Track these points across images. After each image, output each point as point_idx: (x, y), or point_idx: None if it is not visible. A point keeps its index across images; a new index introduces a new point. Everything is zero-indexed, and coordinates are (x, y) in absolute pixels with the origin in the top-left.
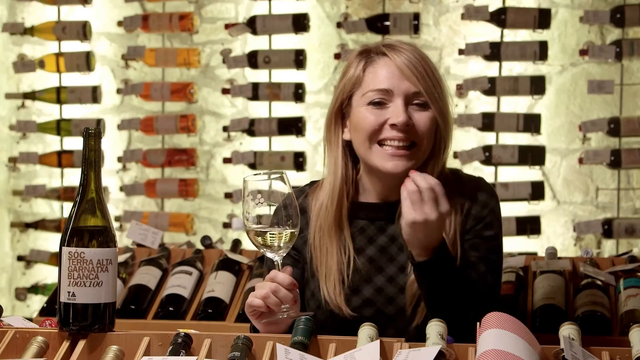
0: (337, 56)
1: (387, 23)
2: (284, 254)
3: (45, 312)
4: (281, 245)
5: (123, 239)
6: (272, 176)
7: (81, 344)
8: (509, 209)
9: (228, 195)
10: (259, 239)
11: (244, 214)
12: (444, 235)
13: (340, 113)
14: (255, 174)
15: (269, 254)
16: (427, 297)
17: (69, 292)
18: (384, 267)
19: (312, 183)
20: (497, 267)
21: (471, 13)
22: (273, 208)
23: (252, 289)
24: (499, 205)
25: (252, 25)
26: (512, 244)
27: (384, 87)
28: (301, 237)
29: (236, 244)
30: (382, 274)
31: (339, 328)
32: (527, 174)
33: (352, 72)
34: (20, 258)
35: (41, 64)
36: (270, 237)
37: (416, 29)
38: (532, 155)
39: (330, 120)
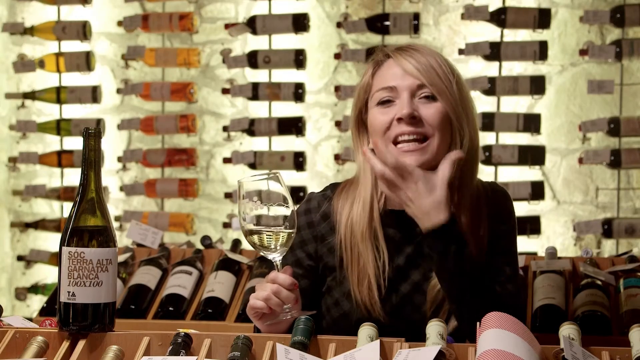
0: (337, 56)
1: (387, 23)
2: (283, 255)
3: (45, 312)
4: (278, 246)
5: (123, 239)
6: (267, 177)
7: (81, 344)
8: None
9: (228, 195)
10: (255, 239)
11: (240, 215)
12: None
13: (360, 121)
14: (250, 176)
15: (268, 255)
16: (439, 275)
17: (69, 292)
18: (410, 276)
19: (334, 186)
20: (516, 260)
21: (471, 13)
22: (268, 209)
23: (252, 289)
24: (512, 205)
25: (252, 25)
26: None
27: (388, 84)
28: (325, 245)
29: (236, 243)
30: (409, 283)
31: None
32: (527, 173)
33: (364, 79)
34: (20, 258)
35: (41, 63)
36: (267, 238)
37: (416, 29)
38: (532, 155)
39: (353, 130)
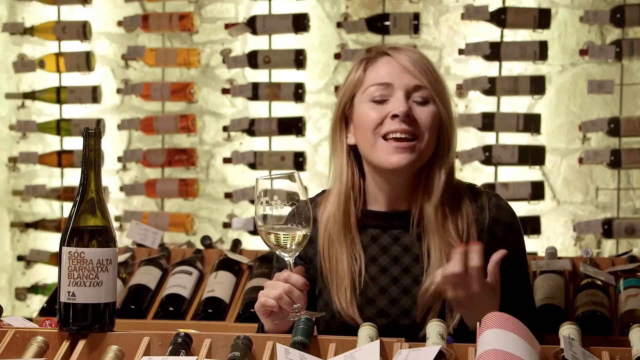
0: (337, 56)
1: (387, 23)
2: (297, 254)
3: (45, 312)
4: (294, 245)
5: (123, 239)
6: (284, 176)
7: (81, 344)
8: None
9: (228, 195)
10: (272, 239)
11: (256, 214)
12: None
13: (343, 117)
14: (267, 175)
15: (283, 254)
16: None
17: (69, 292)
18: (398, 278)
19: (323, 192)
20: (528, 281)
21: (471, 13)
22: (285, 208)
23: (253, 288)
24: (518, 221)
25: (252, 25)
26: None
27: (384, 80)
28: (312, 247)
29: (236, 244)
30: (397, 285)
31: None
32: (527, 174)
33: (353, 75)
34: (20, 258)
35: (41, 64)
36: (283, 237)
37: (416, 29)
38: (532, 155)
39: (334, 126)
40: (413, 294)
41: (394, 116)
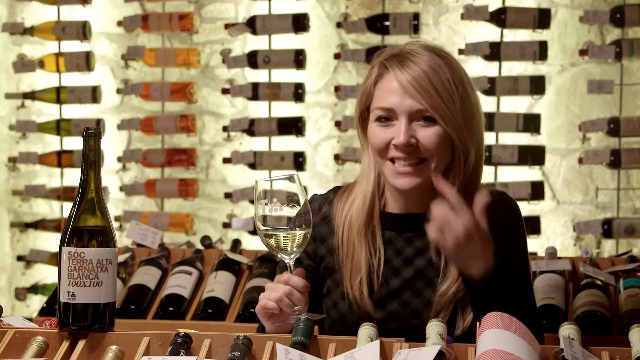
0: (337, 56)
1: (387, 23)
2: (297, 256)
3: (45, 312)
4: (294, 247)
5: (123, 239)
6: (283, 177)
7: (81, 344)
8: None
9: (228, 195)
10: (271, 241)
11: (256, 216)
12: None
13: (363, 120)
14: (267, 176)
15: (283, 256)
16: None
17: (68, 292)
18: (411, 281)
19: (337, 189)
20: (529, 274)
21: (471, 13)
22: (284, 210)
23: (253, 289)
24: (521, 216)
25: (252, 25)
26: None
27: (387, 106)
28: (325, 246)
29: (236, 244)
30: (409, 288)
31: None
32: (527, 173)
33: (367, 82)
34: (20, 258)
35: (41, 64)
36: (283, 239)
37: (416, 29)
38: (532, 155)
39: (357, 128)
40: (425, 296)
41: (395, 146)
